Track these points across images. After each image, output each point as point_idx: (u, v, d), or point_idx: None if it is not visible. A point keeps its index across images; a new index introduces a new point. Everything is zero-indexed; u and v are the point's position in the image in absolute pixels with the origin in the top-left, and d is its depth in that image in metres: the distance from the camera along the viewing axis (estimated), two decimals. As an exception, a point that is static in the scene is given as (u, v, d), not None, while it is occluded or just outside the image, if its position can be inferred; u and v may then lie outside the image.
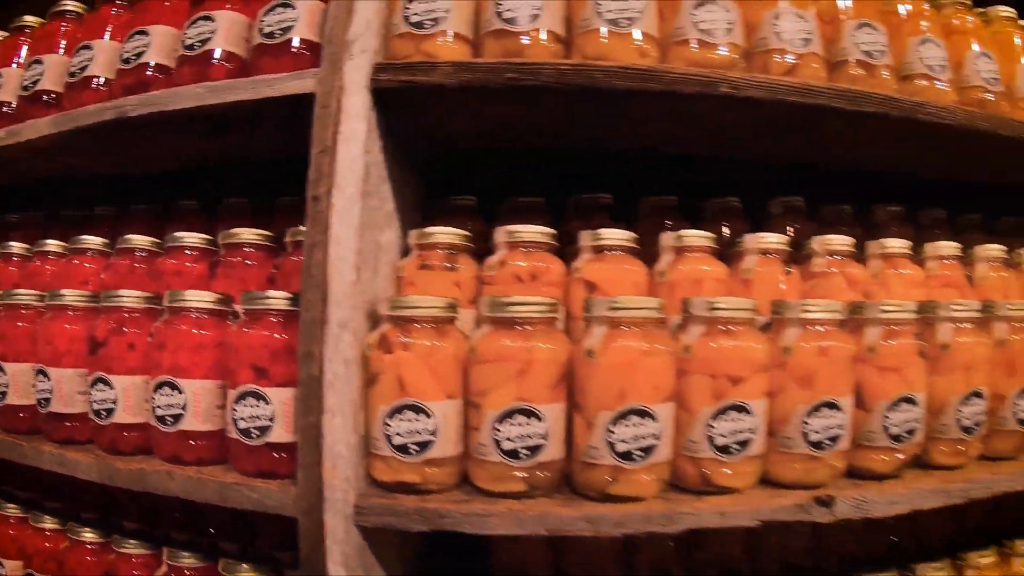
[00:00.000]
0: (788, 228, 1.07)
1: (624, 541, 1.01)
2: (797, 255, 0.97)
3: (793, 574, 0.96)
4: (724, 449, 0.75)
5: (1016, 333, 0.93)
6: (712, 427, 0.75)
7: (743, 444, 0.76)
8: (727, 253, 0.93)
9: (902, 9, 0.99)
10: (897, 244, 0.98)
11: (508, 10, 0.80)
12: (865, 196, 1.20)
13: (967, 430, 0.87)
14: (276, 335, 0.82)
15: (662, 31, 0.85)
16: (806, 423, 0.77)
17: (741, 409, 0.75)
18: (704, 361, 0.75)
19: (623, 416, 0.71)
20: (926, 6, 1.00)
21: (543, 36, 0.81)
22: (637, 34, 0.82)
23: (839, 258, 0.94)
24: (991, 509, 1.22)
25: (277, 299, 0.82)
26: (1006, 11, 1.13)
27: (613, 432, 0.72)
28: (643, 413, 0.72)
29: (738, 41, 0.85)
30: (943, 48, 0.98)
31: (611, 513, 0.74)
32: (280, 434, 0.81)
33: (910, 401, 0.82)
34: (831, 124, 0.89)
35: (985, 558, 1.08)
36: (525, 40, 0.82)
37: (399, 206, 0.91)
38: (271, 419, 0.81)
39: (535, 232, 0.85)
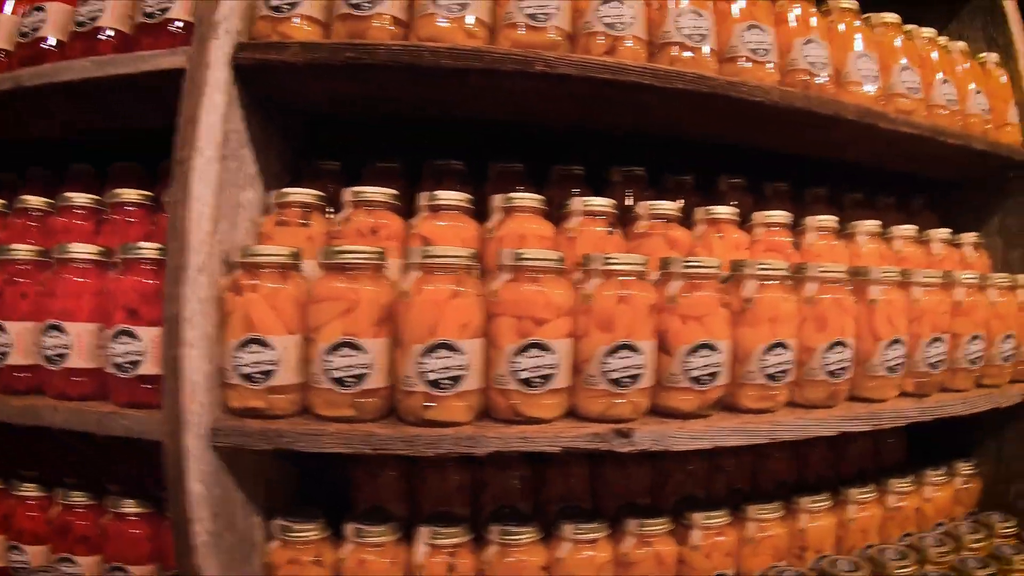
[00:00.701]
0: (627, 195, 1.19)
1: (473, 478, 1.14)
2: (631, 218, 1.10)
3: (632, 510, 1.09)
4: (527, 382, 0.88)
5: (827, 293, 1.05)
6: (516, 362, 0.87)
7: (545, 378, 0.89)
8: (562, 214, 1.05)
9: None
10: (723, 210, 1.12)
11: (355, -4, 0.92)
12: (716, 168, 1.33)
13: (772, 377, 1.00)
14: (147, 280, 0.94)
15: (495, 16, 0.97)
16: (605, 363, 0.90)
17: (543, 347, 0.88)
18: (509, 303, 0.88)
19: (432, 349, 0.84)
20: None
21: (384, 19, 0.93)
22: (470, 19, 0.95)
23: (664, 221, 1.07)
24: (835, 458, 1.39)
25: (148, 249, 0.94)
26: (848, 3, 1.26)
27: (424, 363, 0.84)
28: (450, 347, 0.85)
29: (563, 25, 0.98)
30: (770, 34, 1.11)
31: (425, 434, 0.86)
32: (149, 367, 0.93)
33: (710, 347, 0.95)
34: (646, 99, 1.02)
35: (818, 503, 1.22)
36: (372, 23, 0.93)
37: (262, 168, 1.03)
38: (141, 354, 0.93)
39: (376, 192, 0.97)
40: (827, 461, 1.41)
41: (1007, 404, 1.31)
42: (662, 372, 0.96)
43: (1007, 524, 1.37)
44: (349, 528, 0.99)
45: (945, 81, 1.31)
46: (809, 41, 1.14)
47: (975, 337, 1.22)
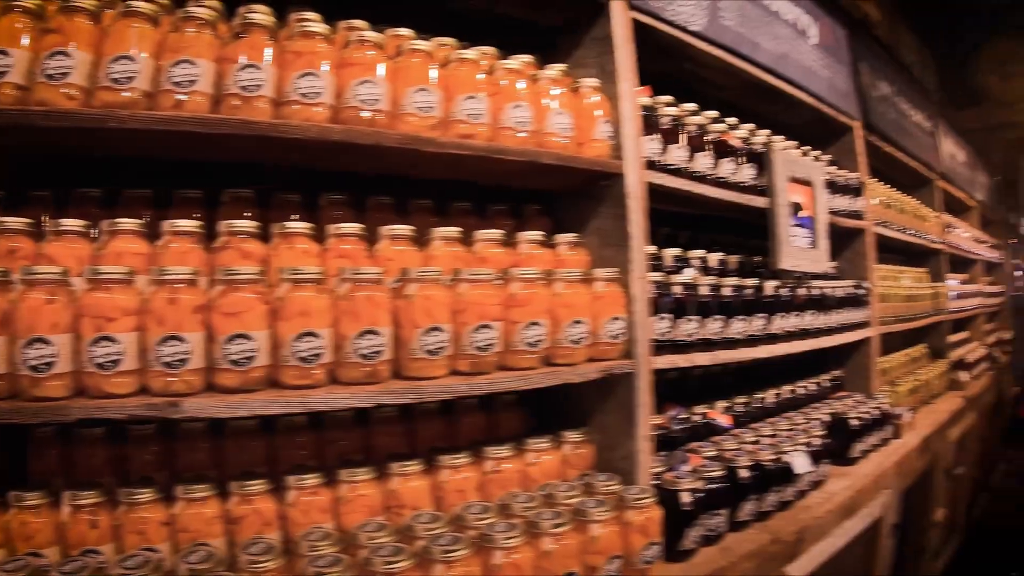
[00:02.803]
0: (246, 213, 1.55)
1: (116, 450, 1.49)
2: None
3: (244, 475, 1.41)
4: (102, 366, 1.21)
5: (361, 290, 1.38)
6: (92, 351, 1.20)
7: (115, 363, 1.21)
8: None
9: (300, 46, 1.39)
10: (294, 225, 1.44)
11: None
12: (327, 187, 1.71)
13: (305, 360, 1.32)
14: None
15: (93, 80, 1.28)
16: (159, 350, 1.23)
17: (111, 339, 1.21)
18: (89, 306, 1.21)
19: (30, 343, 1.18)
20: (323, 46, 1.40)
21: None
22: (70, 82, 1.25)
23: (240, 236, 1.41)
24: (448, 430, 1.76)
25: None
26: (416, 43, 1.53)
27: (26, 353, 1.17)
28: (44, 341, 1.17)
29: (143, 85, 1.30)
30: (323, 78, 1.37)
31: (29, 407, 1.18)
32: None
33: (245, 337, 1.28)
34: (231, 142, 1.35)
35: (409, 467, 1.53)
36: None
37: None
38: None
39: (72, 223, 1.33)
40: (440, 432, 1.78)
41: (579, 380, 1.67)
42: (210, 357, 1.27)
43: (608, 483, 1.69)
44: (11, 495, 1.28)
45: (517, 106, 1.65)
46: (364, 82, 1.42)
47: (534, 323, 1.58)
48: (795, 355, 3.01)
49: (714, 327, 2.01)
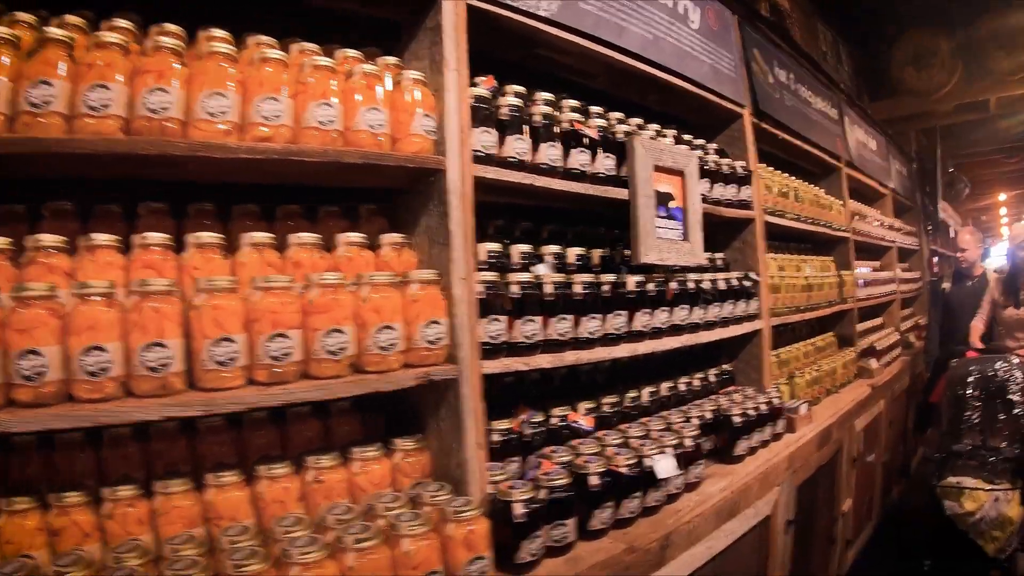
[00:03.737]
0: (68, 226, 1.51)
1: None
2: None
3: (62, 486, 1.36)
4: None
5: (150, 301, 1.32)
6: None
7: None
8: None
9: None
10: (100, 237, 1.40)
11: None
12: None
13: (93, 374, 1.26)
14: None
15: None
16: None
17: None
18: None
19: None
20: (116, 56, 1.36)
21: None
22: None
23: (48, 251, 1.35)
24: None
25: None
26: (217, 46, 1.48)
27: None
28: None
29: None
30: (116, 89, 1.34)
31: None
32: None
33: (35, 352, 1.22)
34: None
35: (224, 478, 1.49)
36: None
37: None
38: None
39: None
40: (271, 442, 1.70)
41: (392, 388, 1.59)
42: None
43: (437, 493, 1.64)
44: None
45: (322, 105, 1.57)
46: (156, 90, 1.38)
47: (335, 330, 1.50)
48: (683, 351, 3.00)
49: (561, 327, 1.93)
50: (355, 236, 1.71)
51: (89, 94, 1.33)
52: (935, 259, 7.23)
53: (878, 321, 5.65)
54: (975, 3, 6.20)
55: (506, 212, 2.33)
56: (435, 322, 1.66)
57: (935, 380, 4.48)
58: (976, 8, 6.28)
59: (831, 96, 4.82)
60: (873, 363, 4.64)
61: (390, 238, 1.76)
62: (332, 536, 1.43)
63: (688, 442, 2.27)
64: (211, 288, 1.39)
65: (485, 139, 1.85)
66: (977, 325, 4.66)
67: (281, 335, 1.44)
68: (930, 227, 7.88)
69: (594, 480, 1.87)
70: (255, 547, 1.35)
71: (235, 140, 1.47)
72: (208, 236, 1.52)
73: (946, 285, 5.05)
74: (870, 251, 5.83)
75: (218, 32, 1.55)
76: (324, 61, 1.63)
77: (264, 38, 1.68)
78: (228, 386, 1.39)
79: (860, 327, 4.92)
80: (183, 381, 1.36)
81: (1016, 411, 3.70)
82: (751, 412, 2.72)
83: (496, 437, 1.93)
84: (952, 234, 9.32)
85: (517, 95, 2.11)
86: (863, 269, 5.30)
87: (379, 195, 1.96)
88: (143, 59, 1.41)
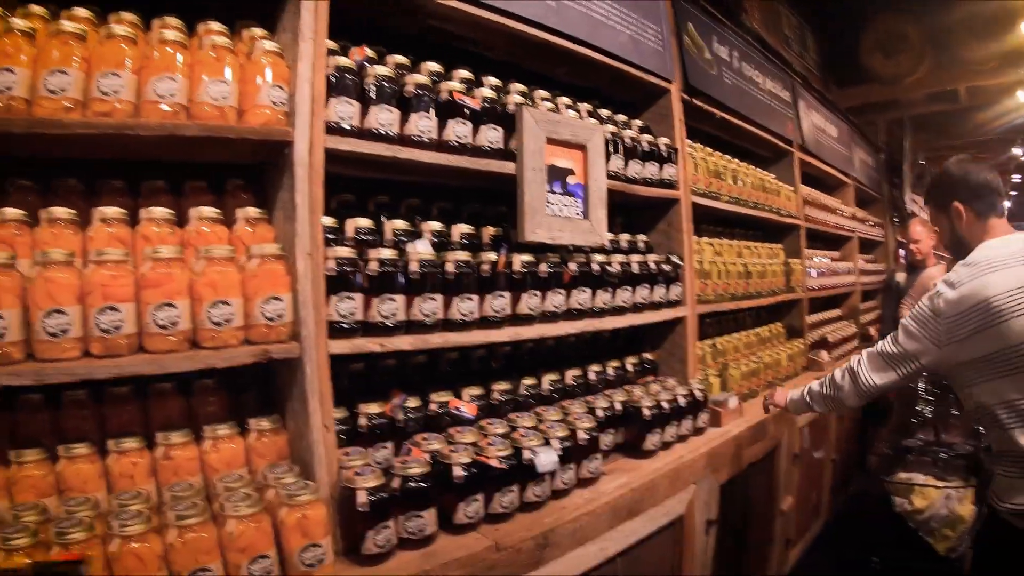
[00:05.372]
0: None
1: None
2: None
3: None
4: None
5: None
6: None
7: None
8: None
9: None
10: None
11: None
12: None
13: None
14: None
15: None
16: None
17: None
18: None
19: None
20: None
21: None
22: None
23: None
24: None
25: None
26: (65, 25, 1.49)
27: None
28: None
29: None
30: None
31: None
32: None
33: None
34: None
35: (74, 451, 1.54)
36: None
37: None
38: None
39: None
40: (133, 418, 1.71)
41: (226, 364, 1.57)
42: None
43: (284, 475, 1.64)
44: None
45: (163, 79, 1.56)
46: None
47: (167, 304, 1.50)
48: (607, 337, 2.96)
49: (428, 307, 1.88)
50: (207, 211, 1.70)
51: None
52: (900, 251, 7.24)
53: (835, 312, 5.65)
54: (946, -11, 6.20)
55: (397, 190, 2.29)
56: (276, 298, 1.63)
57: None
58: (947, -7, 6.29)
59: (783, 78, 4.80)
60: (824, 355, 4.63)
61: (244, 212, 1.74)
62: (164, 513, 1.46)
63: (582, 434, 2.23)
64: (45, 261, 1.42)
65: (344, 109, 1.81)
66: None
67: (112, 308, 1.45)
68: (897, 218, 7.90)
69: (458, 471, 1.83)
70: (87, 518, 1.38)
71: (76, 116, 1.48)
72: (59, 211, 1.54)
73: (900, 276, 5.04)
74: (829, 240, 5.83)
75: (80, 12, 1.61)
76: (171, 36, 1.61)
77: (125, 15, 1.67)
78: (62, 357, 1.42)
79: (812, 319, 4.92)
80: (21, 351, 1.40)
81: (970, 407, 3.70)
82: (664, 404, 2.68)
83: (364, 421, 1.90)
84: (921, 226, 9.38)
85: (397, 66, 2.06)
86: (820, 259, 5.29)
87: (252, 171, 1.93)
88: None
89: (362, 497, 1.63)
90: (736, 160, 3.94)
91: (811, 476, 4.28)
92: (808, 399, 2.58)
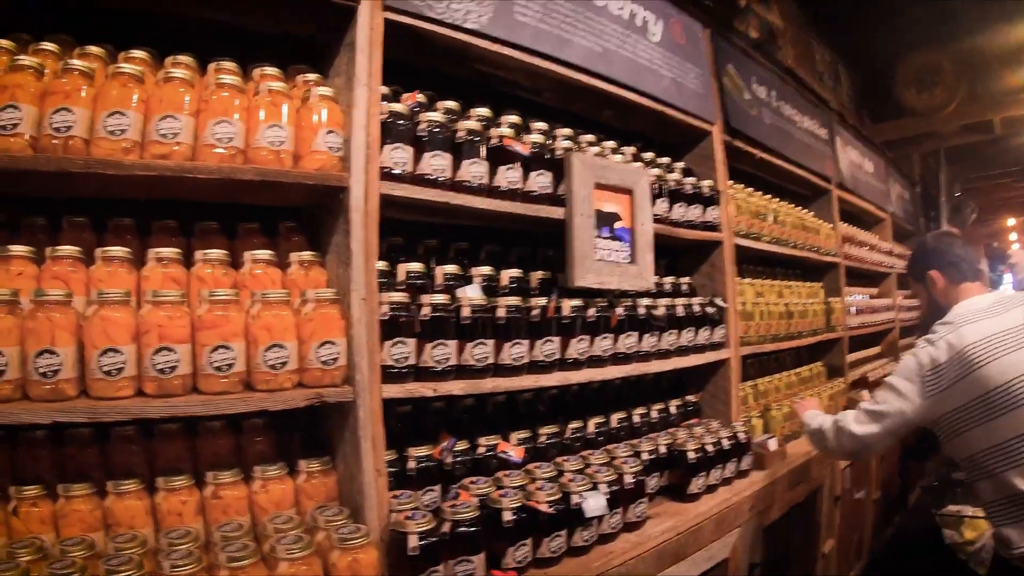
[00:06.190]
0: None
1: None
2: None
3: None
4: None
5: (43, 311, 1.40)
6: None
7: None
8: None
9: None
10: (16, 249, 1.50)
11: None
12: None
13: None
14: None
15: None
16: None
17: None
18: None
19: None
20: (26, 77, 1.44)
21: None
22: None
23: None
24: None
25: None
26: (123, 67, 1.54)
27: None
28: None
29: None
30: (23, 109, 1.43)
31: None
32: None
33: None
34: None
35: (124, 487, 1.54)
36: None
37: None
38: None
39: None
40: (180, 454, 1.71)
41: (280, 407, 1.59)
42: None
43: (335, 517, 1.63)
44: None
45: (221, 122, 1.59)
46: (60, 109, 1.46)
47: (222, 346, 1.52)
48: (650, 381, 2.94)
49: (479, 352, 1.89)
50: (261, 253, 1.72)
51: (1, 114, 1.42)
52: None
53: (875, 351, 5.54)
54: (978, 21, 6.16)
55: (447, 233, 2.31)
56: (330, 342, 1.64)
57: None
58: (980, 26, 6.25)
59: (820, 115, 4.78)
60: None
61: (298, 256, 1.76)
62: (214, 553, 1.45)
63: (628, 478, 2.20)
64: (103, 300, 1.45)
65: (398, 155, 1.84)
66: None
67: (167, 348, 1.47)
68: (935, 253, 7.75)
69: (507, 515, 1.81)
70: (136, 555, 1.38)
71: (134, 158, 1.51)
72: (116, 250, 1.58)
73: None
74: (867, 277, 5.75)
75: (137, 53, 1.65)
76: (228, 80, 1.65)
77: (183, 58, 1.70)
78: (115, 395, 1.43)
79: (852, 357, 4.83)
80: (75, 388, 1.42)
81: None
82: (709, 447, 2.64)
83: (412, 464, 1.89)
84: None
85: (447, 111, 2.09)
86: (858, 296, 5.21)
87: (302, 213, 1.97)
88: (48, 81, 1.49)
89: (413, 541, 1.61)
90: (776, 200, 3.92)
91: (853, 517, 4.17)
92: (809, 432, 2.59)
